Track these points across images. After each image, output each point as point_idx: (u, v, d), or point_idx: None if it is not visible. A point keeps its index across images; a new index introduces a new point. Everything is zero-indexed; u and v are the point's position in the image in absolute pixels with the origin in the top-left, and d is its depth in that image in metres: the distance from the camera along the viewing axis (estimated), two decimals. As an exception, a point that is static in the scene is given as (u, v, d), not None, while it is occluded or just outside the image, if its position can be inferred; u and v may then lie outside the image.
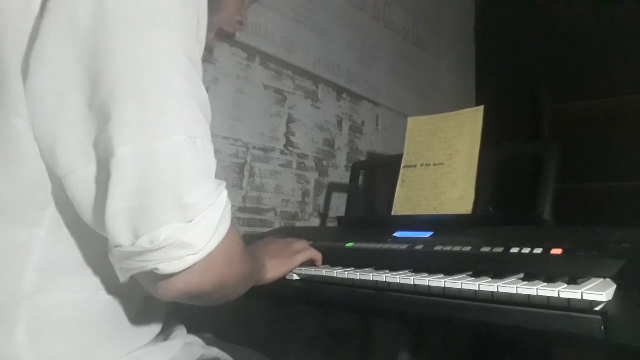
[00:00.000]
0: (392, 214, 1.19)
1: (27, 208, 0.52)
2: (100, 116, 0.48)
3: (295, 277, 0.86)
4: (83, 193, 0.50)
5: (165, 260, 0.48)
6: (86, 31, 0.48)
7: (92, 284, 0.55)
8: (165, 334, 0.67)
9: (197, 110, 0.51)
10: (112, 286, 0.55)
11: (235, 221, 0.57)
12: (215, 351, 0.73)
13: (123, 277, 0.51)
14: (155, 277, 0.50)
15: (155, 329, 0.64)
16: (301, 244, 0.91)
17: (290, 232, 1.24)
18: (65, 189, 0.50)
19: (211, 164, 0.52)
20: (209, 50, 0.84)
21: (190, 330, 0.73)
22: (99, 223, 0.49)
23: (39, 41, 0.49)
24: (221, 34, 0.74)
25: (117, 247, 0.48)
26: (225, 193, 0.53)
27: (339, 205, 1.67)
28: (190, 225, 0.48)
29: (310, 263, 0.90)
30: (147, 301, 0.61)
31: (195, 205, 0.48)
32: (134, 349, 0.59)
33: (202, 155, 0.50)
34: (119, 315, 0.58)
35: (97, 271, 0.55)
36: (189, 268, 0.49)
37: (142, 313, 0.61)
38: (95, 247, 0.53)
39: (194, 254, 0.49)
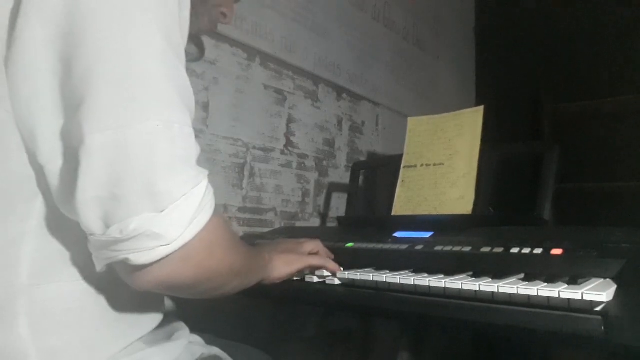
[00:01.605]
0: (392, 214, 1.19)
1: (16, 201, 0.52)
2: (72, 102, 0.47)
3: (295, 277, 0.86)
4: (56, 181, 0.49)
5: (136, 250, 0.47)
6: (58, 14, 0.47)
7: (89, 273, 0.54)
8: (168, 334, 0.66)
9: (173, 94, 0.49)
10: (109, 275, 0.54)
11: (222, 214, 0.55)
12: (215, 350, 0.73)
13: (98, 266, 0.50)
14: (129, 267, 0.48)
15: (156, 317, 0.64)
16: (313, 244, 0.88)
17: (290, 232, 1.24)
18: (46, 177, 0.50)
19: (189, 150, 0.50)
20: (199, 48, 0.83)
21: (191, 330, 0.73)
22: (71, 211, 0.48)
23: (16, 25, 0.48)
24: (202, 25, 0.72)
25: (90, 235, 0.48)
26: (204, 182, 0.51)
27: (339, 205, 1.67)
28: (161, 215, 0.46)
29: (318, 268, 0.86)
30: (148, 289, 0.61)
31: (168, 194, 0.47)
32: (136, 338, 0.59)
33: (179, 141, 0.49)
34: (119, 304, 0.57)
35: (89, 263, 0.54)
36: (162, 259, 0.48)
37: (142, 301, 0.60)
38: (86, 237, 0.52)
39: (166, 245, 0.47)
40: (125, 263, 0.48)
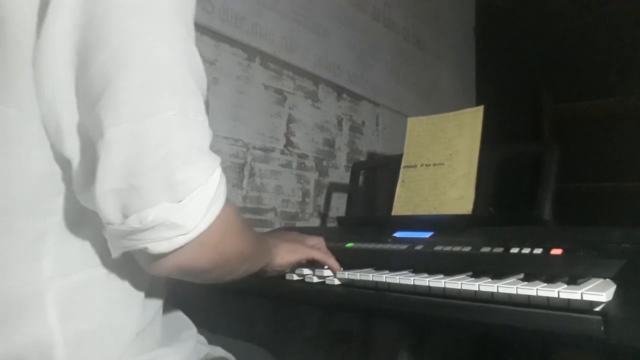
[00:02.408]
0: (392, 214, 1.19)
1: (39, 199, 0.53)
2: (90, 95, 0.47)
3: (295, 277, 0.86)
4: (77, 173, 0.50)
5: (154, 240, 0.48)
6: (74, 6, 0.47)
7: (110, 259, 0.55)
8: (177, 332, 0.67)
9: (190, 81, 0.50)
10: (122, 261, 0.55)
11: (230, 201, 0.56)
12: (219, 350, 0.73)
13: (114, 253, 0.51)
14: (148, 255, 0.50)
15: (161, 296, 0.65)
16: (316, 239, 0.89)
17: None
18: (72, 171, 0.50)
19: (204, 137, 0.51)
20: None
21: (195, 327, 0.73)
22: (90, 202, 0.49)
23: (42, 26, 0.49)
24: None
25: (108, 224, 0.48)
26: (218, 170, 0.51)
27: (339, 205, 1.67)
28: (179, 206, 0.47)
29: (319, 264, 0.87)
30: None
31: (185, 185, 0.47)
32: (149, 318, 0.60)
33: (194, 129, 0.49)
34: (134, 286, 0.58)
35: (107, 248, 0.55)
36: (180, 248, 0.49)
37: (149, 281, 0.61)
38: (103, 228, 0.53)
39: (185, 234, 0.48)
40: (144, 252, 0.49)
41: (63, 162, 0.51)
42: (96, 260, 0.55)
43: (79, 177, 0.50)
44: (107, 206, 0.47)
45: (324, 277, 0.84)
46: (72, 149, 0.50)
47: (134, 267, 0.56)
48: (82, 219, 0.54)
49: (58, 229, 0.53)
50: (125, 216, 0.47)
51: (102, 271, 0.55)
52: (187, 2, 0.52)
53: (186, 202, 0.47)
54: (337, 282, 0.82)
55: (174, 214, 0.47)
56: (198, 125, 0.50)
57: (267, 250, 0.75)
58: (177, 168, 0.47)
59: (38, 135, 0.51)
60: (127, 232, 0.48)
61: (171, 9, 0.50)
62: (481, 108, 1.13)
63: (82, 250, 0.54)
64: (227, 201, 0.54)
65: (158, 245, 0.48)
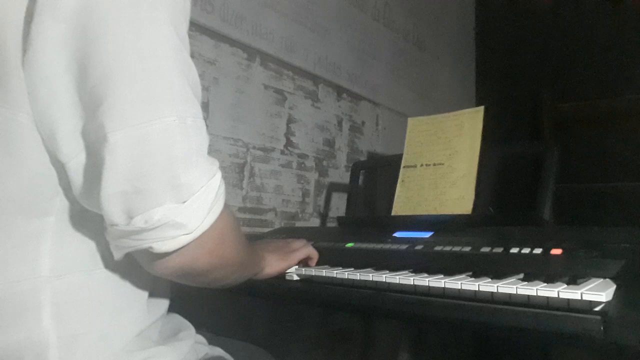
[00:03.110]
0: (392, 214, 1.19)
1: (36, 199, 0.53)
2: (91, 101, 0.48)
3: (295, 277, 0.86)
4: (79, 177, 0.51)
5: (159, 239, 0.49)
6: (71, 14, 0.48)
7: (106, 263, 0.56)
8: (175, 332, 0.68)
9: (186, 88, 0.52)
10: (124, 263, 0.56)
11: (228, 205, 0.58)
12: (218, 350, 0.73)
13: (117, 255, 0.53)
14: (151, 255, 0.51)
15: (164, 304, 0.66)
16: (299, 242, 0.92)
17: (290, 232, 1.24)
18: (67, 174, 0.51)
19: (202, 142, 0.52)
20: None
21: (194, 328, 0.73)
22: (94, 205, 0.50)
23: (31, 28, 0.49)
24: None
25: (112, 225, 0.50)
26: (218, 174, 0.53)
27: (339, 205, 1.67)
28: (183, 206, 0.49)
29: (306, 261, 0.90)
30: (156, 276, 0.62)
31: (189, 186, 0.49)
32: (148, 324, 0.61)
33: (193, 134, 0.51)
34: (133, 290, 0.60)
35: (108, 251, 0.56)
36: (182, 247, 0.50)
37: (152, 287, 0.62)
38: (104, 230, 0.54)
39: (188, 234, 0.50)
40: (147, 251, 0.50)
41: (58, 165, 0.52)
42: (94, 262, 0.56)
43: (80, 180, 0.51)
44: (113, 208, 0.48)
45: (322, 277, 0.84)
46: (66, 153, 0.50)
47: (135, 272, 0.57)
48: (80, 221, 0.55)
49: (55, 230, 0.54)
50: (131, 217, 0.48)
51: (100, 274, 0.56)
52: (180, 16, 0.53)
53: (190, 203, 0.49)
54: (296, 277, 0.85)
55: (178, 214, 0.49)
56: (197, 130, 0.52)
57: (258, 259, 0.78)
58: (181, 171, 0.49)
59: (35, 137, 0.52)
60: (132, 232, 0.49)
61: (167, 19, 0.51)
62: (481, 108, 1.13)
63: (80, 252, 0.55)
64: (226, 207, 0.55)
65: (163, 244, 0.49)
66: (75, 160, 0.50)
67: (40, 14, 0.49)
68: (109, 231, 0.51)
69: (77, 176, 0.51)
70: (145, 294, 0.61)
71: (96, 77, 0.48)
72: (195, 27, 1.25)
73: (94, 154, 0.49)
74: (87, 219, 0.54)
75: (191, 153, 0.50)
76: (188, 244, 0.51)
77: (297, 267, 0.88)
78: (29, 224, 0.53)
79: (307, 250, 0.90)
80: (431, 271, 0.76)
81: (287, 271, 0.86)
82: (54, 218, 0.54)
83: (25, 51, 0.50)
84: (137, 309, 0.60)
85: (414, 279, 0.71)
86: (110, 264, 0.56)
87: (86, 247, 0.55)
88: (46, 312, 0.52)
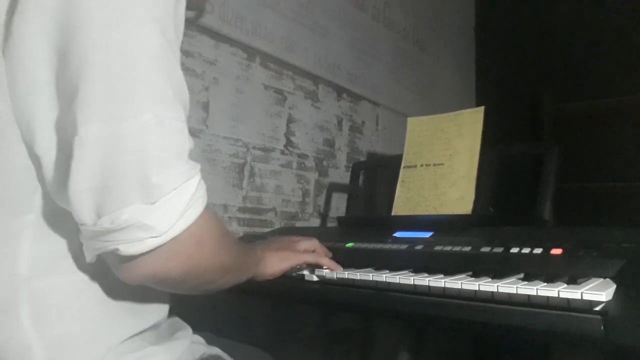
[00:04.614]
0: (392, 214, 1.19)
1: (17, 195, 0.52)
2: (67, 93, 0.47)
3: (293, 273, 0.86)
4: (51, 172, 0.50)
5: (126, 241, 0.47)
6: (55, 6, 0.48)
7: (89, 266, 0.54)
8: (171, 332, 0.67)
9: (167, 89, 0.50)
10: (107, 266, 0.55)
11: (213, 211, 0.56)
12: (216, 350, 0.73)
13: (88, 257, 0.51)
14: (119, 258, 0.49)
15: (161, 310, 0.64)
16: (309, 243, 0.89)
17: (290, 232, 1.24)
18: (42, 169, 0.50)
19: (181, 145, 0.50)
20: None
21: (192, 329, 0.73)
22: (64, 201, 0.49)
23: (14, 17, 0.49)
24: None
25: (81, 225, 0.48)
26: (197, 177, 0.51)
27: (339, 205, 1.67)
28: (152, 207, 0.47)
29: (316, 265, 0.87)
30: None
31: (160, 187, 0.47)
32: (139, 330, 0.60)
33: (171, 136, 0.49)
34: (120, 294, 0.58)
35: None
36: (152, 250, 0.48)
37: (145, 292, 0.60)
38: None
39: (156, 237, 0.48)
40: (115, 254, 0.48)
41: (35, 159, 0.51)
42: (75, 265, 0.54)
43: (52, 175, 0.50)
44: (81, 205, 0.47)
45: (324, 277, 0.84)
46: (42, 146, 0.49)
47: (118, 279, 0.55)
48: (60, 220, 0.53)
49: (34, 228, 0.53)
50: (99, 216, 0.47)
51: (81, 277, 0.55)
52: (169, 17, 0.52)
53: (160, 205, 0.47)
54: (335, 278, 0.81)
55: (146, 215, 0.47)
56: (176, 132, 0.50)
57: (254, 261, 0.75)
58: (152, 171, 0.47)
59: (14, 128, 0.51)
60: (100, 232, 0.47)
61: (152, 18, 0.49)
62: (482, 109, 1.13)
63: (61, 254, 0.54)
64: (208, 210, 0.53)
65: (129, 246, 0.47)
66: (50, 154, 0.49)
67: (24, 3, 0.49)
68: (80, 231, 0.49)
69: (50, 171, 0.50)
70: (135, 300, 0.59)
71: (73, 69, 0.47)
72: (195, 27, 1.25)
73: (65, 148, 0.47)
74: (67, 219, 0.52)
75: (166, 154, 0.48)
76: (157, 248, 0.48)
77: (305, 272, 0.85)
78: (9, 221, 0.52)
79: (317, 257, 0.85)
80: (431, 271, 0.76)
81: (304, 272, 0.84)
82: (34, 216, 0.52)
83: (7, 39, 0.49)
84: (128, 314, 0.59)
85: (414, 279, 0.71)
86: (92, 267, 0.55)
87: (66, 249, 0.54)
88: (24, 312, 0.51)
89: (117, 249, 0.48)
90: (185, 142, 0.51)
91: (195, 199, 0.50)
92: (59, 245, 0.54)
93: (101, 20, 0.47)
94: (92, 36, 0.47)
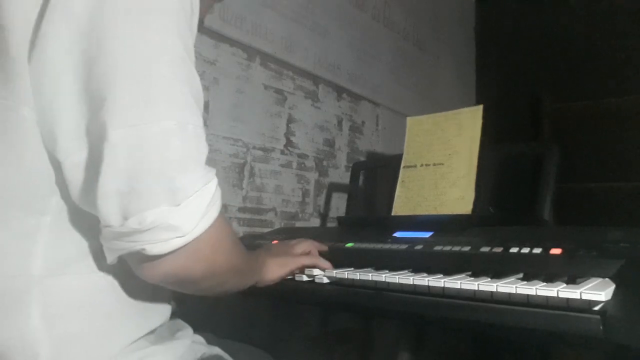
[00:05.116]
0: (392, 214, 1.19)
1: (34, 196, 0.54)
2: (95, 100, 0.49)
3: (326, 280, 0.86)
4: (76, 175, 0.51)
5: (152, 241, 0.49)
6: (81, 15, 0.49)
7: (100, 267, 0.56)
8: (172, 332, 0.68)
9: (189, 96, 0.52)
10: (121, 269, 0.56)
11: (224, 213, 0.58)
12: (217, 350, 0.74)
13: (110, 257, 0.53)
14: (142, 258, 0.51)
15: (165, 311, 0.66)
16: (305, 245, 0.91)
17: (290, 232, 1.24)
18: (63, 173, 0.52)
19: (201, 151, 0.53)
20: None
21: (193, 330, 0.73)
22: (90, 204, 0.50)
23: (41, 25, 0.50)
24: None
25: (106, 227, 0.50)
26: (214, 181, 0.54)
27: (339, 205, 1.67)
28: (177, 209, 0.49)
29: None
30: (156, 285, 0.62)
31: (184, 190, 0.50)
32: (145, 331, 0.61)
33: (193, 141, 0.52)
34: (130, 297, 0.59)
35: (103, 256, 0.56)
36: (175, 250, 0.50)
37: (152, 294, 0.62)
38: (98, 233, 0.54)
39: (181, 237, 0.50)
40: (140, 254, 0.50)
41: (55, 163, 0.53)
42: (88, 267, 0.56)
43: (77, 179, 0.51)
44: (108, 207, 0.49)
45: (313, 276, 0.84)
46: (65, 151, 0.51)
47: (133, 280, 0.57)
48: (76, 224, 0.55)
49: (50, 229, 0.54)
50: (125, 218, 0.49)
51: (93, 279, 0.56)
52: (187, 30, 0.55)
53: (183, 206, 0.50)
54: (325, 280, 0.83)
55: (172, 216, 0.49)
56: (196, 138, 0.52)
57: (258, 267, 0.78)
58: (176, 174, 0.49)
59: (36, 132, 0.52)
60: (126, 233, 0.49)
61: (174, 29, 0.52)
62: (480, 107, 1.13)
63: (73, 255, 0.55)
64: (221, 216, 0.55)
65: (155, 246, 0.49)
66: (72, 158, 0.51)
67: (53, 12, 0.50)
68: (103, 233, 0.51)
69: (73, 175, 0.51)
70: (144, 302, 0.61)
71: (101, 75, 0.49)
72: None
73: (93, 152, 0.49)
74: (83, 222, 0.54)
75: (188, 158, 0.51)
76: (181, 248, 0.50)
77: (297, 273, 0.86)
78: (26, 220, 0.53)
79: (314, 260, 0.87)
80: (431, 271, 0.76)
81: (312, 273, 0.85)
82: (50, 218, 0.54)
83: (34, 46, 0.51)
84: (135, 317, 0.60)
85: (413, 279, 0.71)
86: (104, 269, 0.56)
87: (80, 251, 0.56)
88: (35, 310, 0.53)
89: (143, 249, 0.49)
90: (205, 147, 0.54)
91: (214, 201, 0.53)
92: (74, 247, 0.55)
93: (125, 30, 0.50)
94: (118, 45, 0.49)
